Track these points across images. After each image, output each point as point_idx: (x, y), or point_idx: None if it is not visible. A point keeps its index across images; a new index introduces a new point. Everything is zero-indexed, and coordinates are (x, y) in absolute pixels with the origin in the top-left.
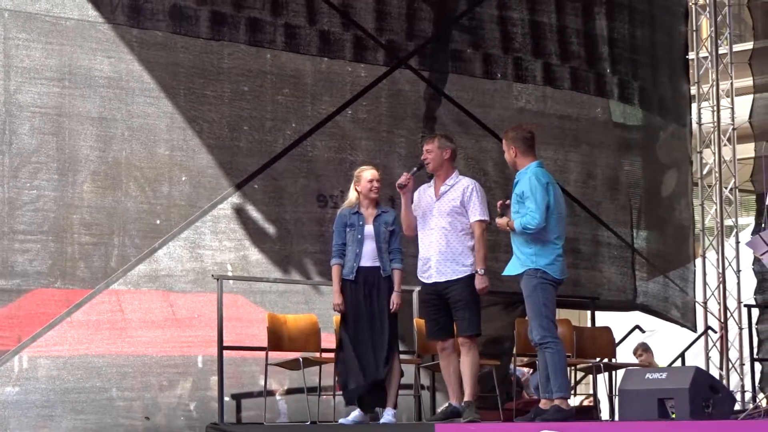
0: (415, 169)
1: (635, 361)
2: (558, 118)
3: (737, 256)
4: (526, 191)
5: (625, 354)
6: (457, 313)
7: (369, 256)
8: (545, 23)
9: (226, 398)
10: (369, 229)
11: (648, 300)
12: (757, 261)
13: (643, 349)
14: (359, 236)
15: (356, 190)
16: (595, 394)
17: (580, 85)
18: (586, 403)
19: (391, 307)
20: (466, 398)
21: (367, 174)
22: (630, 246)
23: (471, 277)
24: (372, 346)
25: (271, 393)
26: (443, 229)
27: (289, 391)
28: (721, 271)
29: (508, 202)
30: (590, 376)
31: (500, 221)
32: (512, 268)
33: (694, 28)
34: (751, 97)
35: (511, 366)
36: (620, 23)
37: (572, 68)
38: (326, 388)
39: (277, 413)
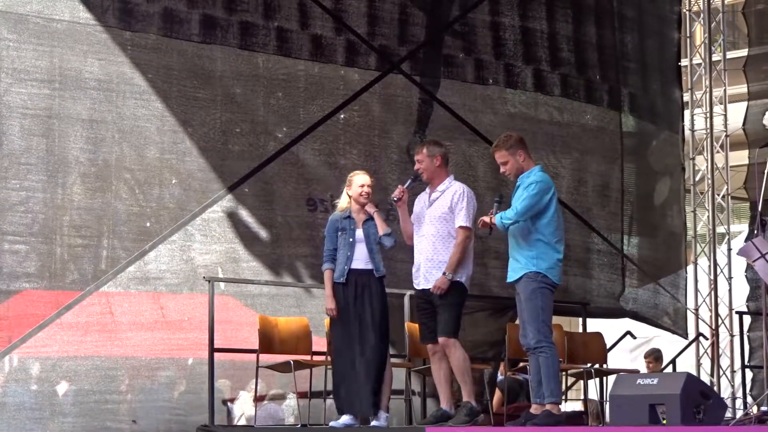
0: (409, 181)
1: (627, 366)
2: (549, 125)
3: (729, 263)
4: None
5: (616, 360)
6: (437, 316)
7: (361, 259)
8: (536, 30)
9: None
10: (360, 233)
11: (638, 307)
12: (750, 268)
13: (654, 357)
14: (351, 240)
15: (348, 194)
16: (585, 399)
17: (570, 91)
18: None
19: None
20: (464, 398)
21: (359, 179)
22: (620, 253)
23: (453, 284)
24: (361, 349)
25: (262, 397)
26: (432, 236)
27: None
28: (712, 278)
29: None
30: (581, 382)
31: (483, 218)
32: (513, 274)
33: (688, 35)
34: (744, 104)
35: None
36: (609, 30)
37: (562, 75)
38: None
39: (269, 416)
